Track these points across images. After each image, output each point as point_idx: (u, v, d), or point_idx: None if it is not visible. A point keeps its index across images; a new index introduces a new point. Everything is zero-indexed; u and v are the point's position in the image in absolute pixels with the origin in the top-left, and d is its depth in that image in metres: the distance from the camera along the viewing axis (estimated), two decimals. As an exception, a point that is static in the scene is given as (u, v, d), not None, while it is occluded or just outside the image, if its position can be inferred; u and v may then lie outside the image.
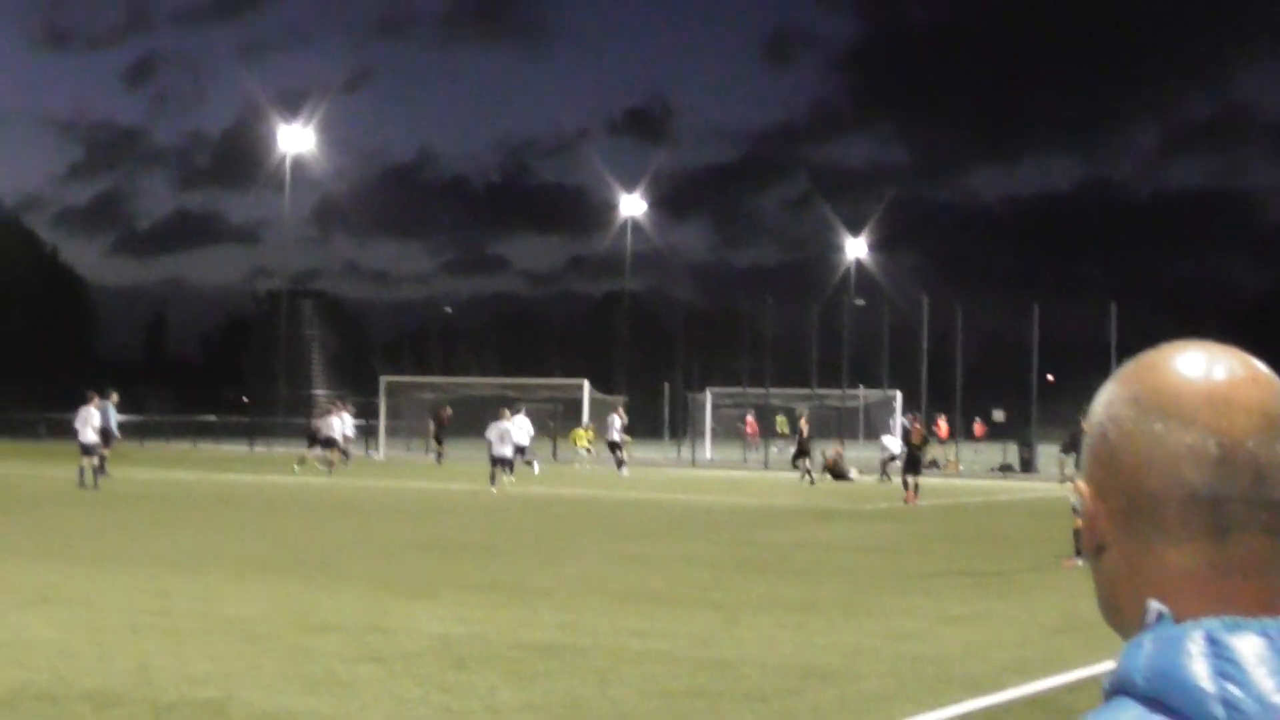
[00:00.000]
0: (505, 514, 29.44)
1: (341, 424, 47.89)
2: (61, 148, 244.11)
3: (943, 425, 59.67)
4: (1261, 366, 1.42)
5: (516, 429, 42.06)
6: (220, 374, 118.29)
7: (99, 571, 17.45)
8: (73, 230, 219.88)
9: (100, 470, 37.16)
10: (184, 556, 19.32)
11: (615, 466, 49.96)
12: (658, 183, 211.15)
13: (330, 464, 45.18)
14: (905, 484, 35.52)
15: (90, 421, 36.36)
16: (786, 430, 73.28)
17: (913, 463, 35.81)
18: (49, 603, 14.64)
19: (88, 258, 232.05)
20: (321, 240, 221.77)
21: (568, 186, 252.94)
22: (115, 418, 40.38)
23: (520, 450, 43.30)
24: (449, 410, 58.03)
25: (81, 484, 35.06)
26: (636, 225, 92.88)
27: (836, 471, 47.98)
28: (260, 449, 67.17)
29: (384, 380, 63.78)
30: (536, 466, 46.99)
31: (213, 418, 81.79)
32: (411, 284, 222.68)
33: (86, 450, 35.85)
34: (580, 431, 57.30)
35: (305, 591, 15.83)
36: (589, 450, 55.58)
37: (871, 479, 46.47)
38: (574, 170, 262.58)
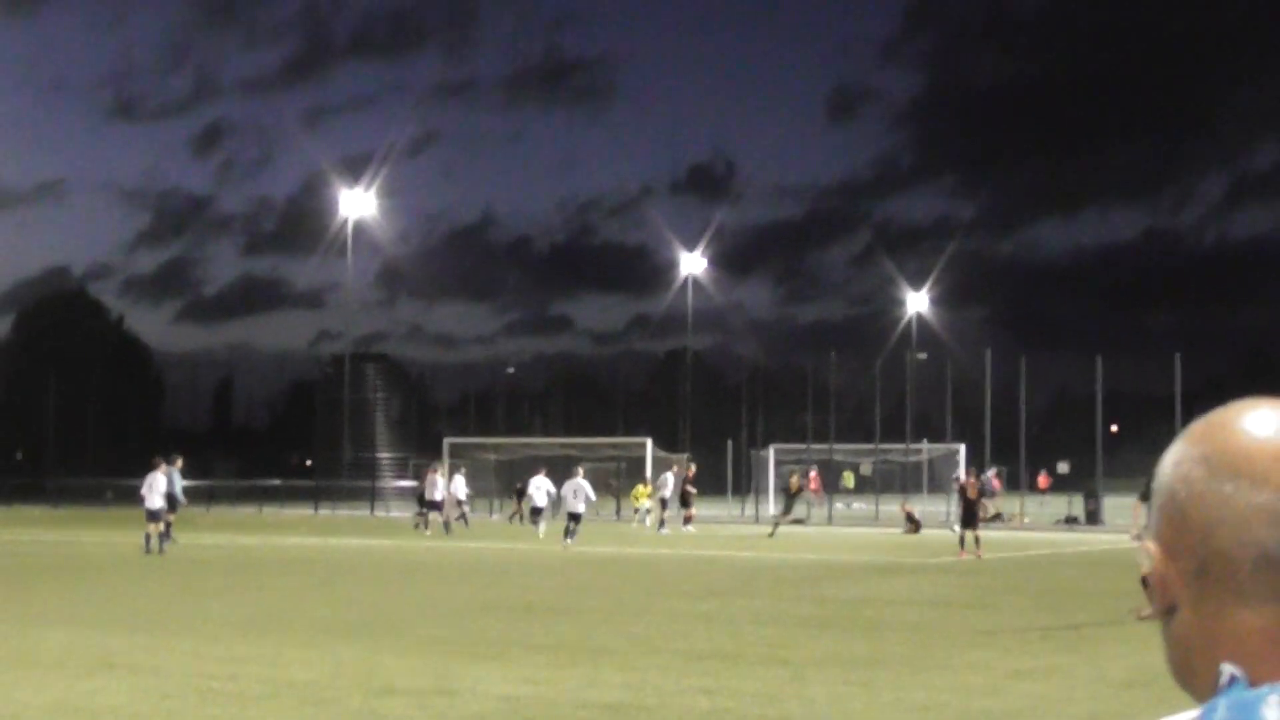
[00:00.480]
0: (570, 573, 29.38)
1: (445, 485, 48.52)
2: (130, 216, 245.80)
3: (994, 479, 59.30)
4: None
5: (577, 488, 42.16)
6: (285, 438, 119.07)
7: (166, 637, 17.50)
8: (139, 297, 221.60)
9: (166, 536, 37.75)
10: (250, 621, 19.36)
11: (657, 526, 49.69)
12: (720, 240, 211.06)
13: (427, 525, 45.64)
14: (962, 540, 35.26)
15: (156, 488, 36.61)
16: (851, 485, 73.11)
17: (969, 517, 35.54)
18: (116, 669, 14.69)
19: (154, 325, 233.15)
20: (386, 303, 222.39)
21: (630, 245, 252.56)
22: (180, 483, 40.63)
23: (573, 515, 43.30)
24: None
25: (147, 550, 35.23)
26: (698, 283, 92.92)
27: (912, 522, 48.16)
28: (325, 512, 67.42)
29: (447, 442, 63.96)
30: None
31: (277, 482, 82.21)
32: (475, 345, 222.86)
33: (153, 516, 36.07)
34: (641, 489, 57.27)
35: (371, 654, 15.83)
36: (649, 509, 55.62)
37: (946, 532, 46.24)
38: (637, 229, 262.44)
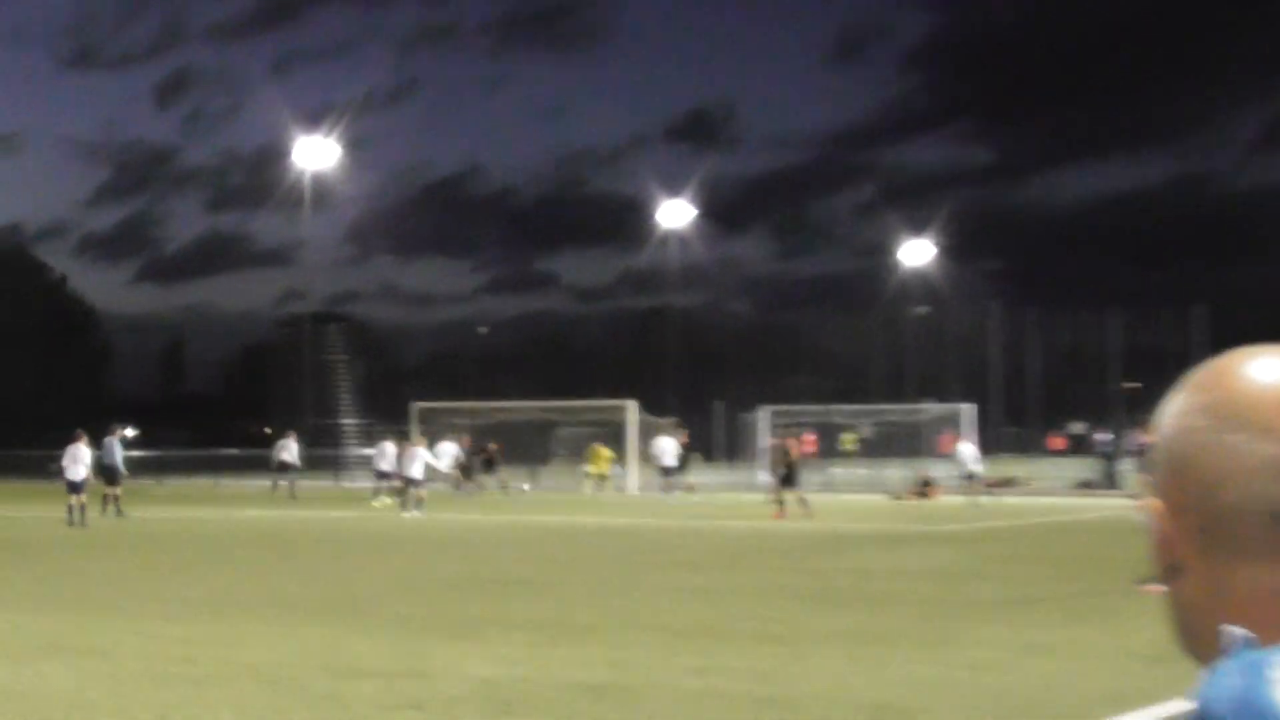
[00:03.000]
0: (547, 547, 29.46)
1: (439, 456, 50.11)
2: (89, 170, 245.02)
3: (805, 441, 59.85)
4: None
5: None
6: (241, 405, 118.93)
7: (116, 618, 17.52)
8: (96, 257, 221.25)
9: (117, 511, 38.61)
10: (207, 600, 19.39)
11: (663, 493, 50.13)
12: (717, 190, 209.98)
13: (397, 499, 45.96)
14: (780, 501, 38.52)
15: (80, 459, 37.37)
16: (853, 447, 73.18)
17: (789, 477, 38.96)
18: (65, 652, 14.69)
19: (110, 286, 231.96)
20: (359, 261, 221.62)
21: (621, 197, 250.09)
22: (120, 454, 40.94)
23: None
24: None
25: (70, 522, 35.70)
26: (689, 237, 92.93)
27: (924, 490, 48.64)
28: (285, 484, 67.38)
29: (416, 406, 63.88)
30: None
31: (235, 452, 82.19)
32: (453, 304, 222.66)
33: (74, 488, 36.68)
34: (603, 452, 57.75)
35: (337, 635, 15.86)
36: (603, 477, 56.43)
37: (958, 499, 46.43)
38: (628, 180, 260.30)
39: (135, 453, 78.20)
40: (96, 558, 27.24)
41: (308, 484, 62.69)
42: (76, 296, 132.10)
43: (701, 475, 60.74)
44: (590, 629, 16.28)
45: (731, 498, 52.29)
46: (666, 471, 51.26)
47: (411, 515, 40.24)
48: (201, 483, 69.72)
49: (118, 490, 40.06)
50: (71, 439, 38.30)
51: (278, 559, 26.86)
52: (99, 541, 31.55)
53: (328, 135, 79.36)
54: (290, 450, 56.14)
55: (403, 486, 42.47)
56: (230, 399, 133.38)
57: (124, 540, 31.95)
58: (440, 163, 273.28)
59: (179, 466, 77.04)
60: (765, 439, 68.25)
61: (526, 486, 52.78)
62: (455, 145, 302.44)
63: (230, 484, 66.71)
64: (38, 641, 15.43)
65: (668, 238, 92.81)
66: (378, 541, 31.32)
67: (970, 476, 47.15)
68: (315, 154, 78.56)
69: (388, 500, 45.59)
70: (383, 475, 48.44)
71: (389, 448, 48.66)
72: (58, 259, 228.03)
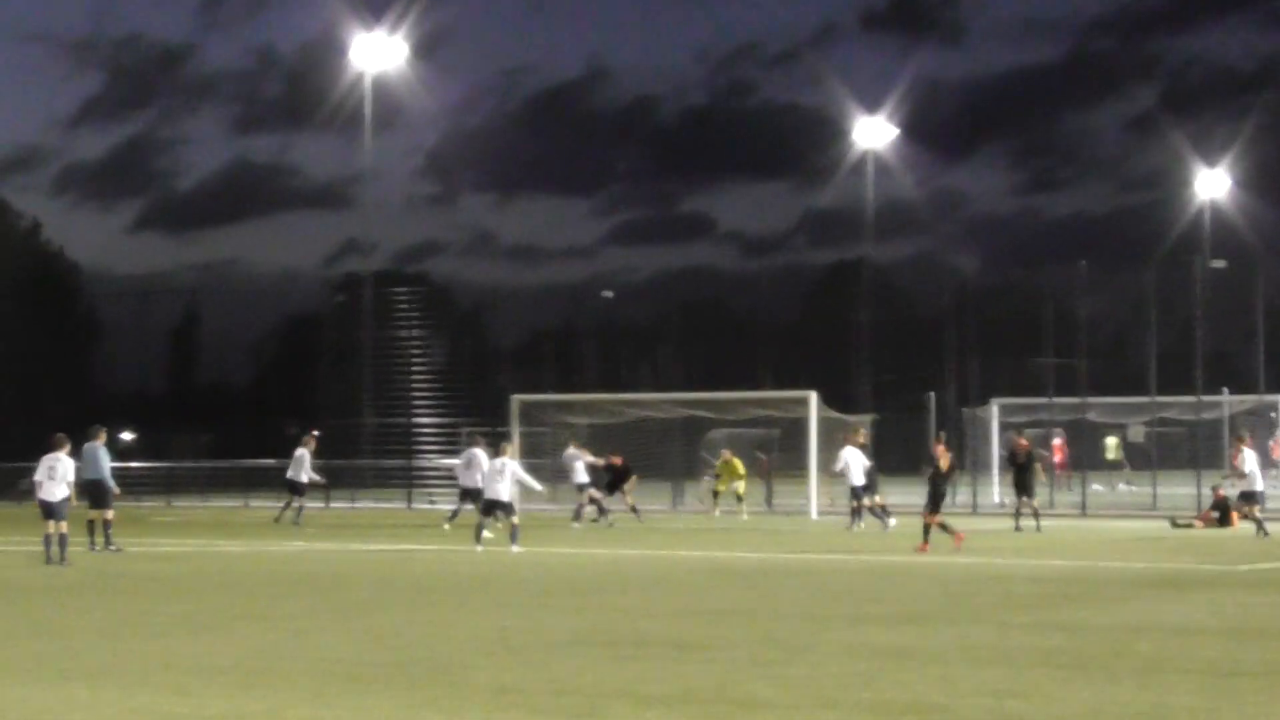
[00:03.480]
0: (692, 592, 29.49)
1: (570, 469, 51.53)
2: (73, 77, 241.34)
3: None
4: None
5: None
6: (278, 399, 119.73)
7: (112, 688, 17.74)
8: (83, 195, 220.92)
9: (107, 542, 39.22)
10: (234, 665, 19.59)
11: (880, 520, 50.11)
12: (935, 101, 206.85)
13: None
14: (926, 529, 39.77)
15: (59, 474, 37.31)
16: (1118, 455, 72.76)
17: (936, 499, 39.77)
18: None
19: (100, 235, 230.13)
20: (442, 201, 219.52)
21: (802, 109, 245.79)
22: (108, 465, 41.20)
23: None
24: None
25: (49, 559, 36.10)
26: (892, 164, 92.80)
27: (1221, 511, 48.31)
28: (340, 506, 68.04)
29: (516, 400, 64.13)
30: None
31: (269, 463, 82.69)
32: (568, 260, 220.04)
33: (51, 512, 36.76)
34: (737, 464, 58.37)
35: (411, 710, 16.00)
36: (736, 496, 57.18)
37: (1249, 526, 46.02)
38: (811, 87, 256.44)
39: (135, 464, 79.46)
40: (82, 607, 27.61)
41: (370, 506, 63.27)
42: (53, 249, 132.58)
43: (903, 493, 60.69)
44: (755, 704, 16.30)
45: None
46: (856, 492, 50.88)
47: (482, 542, 40.53)
48: (224, 505, 70.46)
49: (108, 514, 40.52)
50: (48, 446, 38.10)
51: (330, 610, 27.09)
52: (85, 585, 31.97)
53: (396, 28, 79.78)
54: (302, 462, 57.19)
55: (490, 510, 42.24)
56: (263, 390, 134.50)
57: (119, 584, 32.35)
58: (552, 66, 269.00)
59: (194, 483, 77.97)
60: (995, 442, 68.09)
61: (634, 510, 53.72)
62: (573, 41, 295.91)
63: (264, 507, 67.25)
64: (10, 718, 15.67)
65: (863, 166, 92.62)
66: (465, 586, 31.50)
67: (1251, 496, 46.31)
68: (380, 52, 78.94)
69: (495, 526, 45.72)
70: (468, 494, 48.71)
71: (479, 455, 48.82)
72: (30, 198, 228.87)
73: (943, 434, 47.06)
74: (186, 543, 45.04)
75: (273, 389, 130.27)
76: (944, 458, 41.35)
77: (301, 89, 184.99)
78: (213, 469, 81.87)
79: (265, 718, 15.78)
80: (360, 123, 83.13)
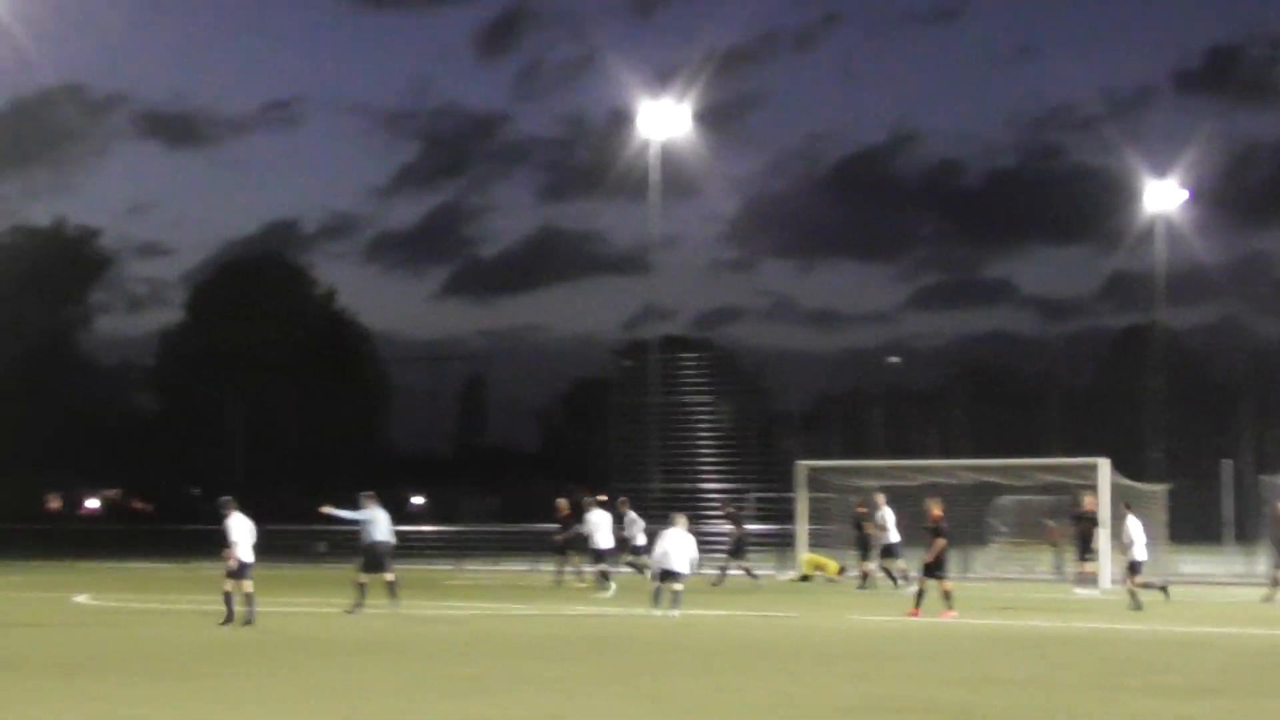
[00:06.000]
0: (983, 657, 29.37)
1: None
2: (388, 147, 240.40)
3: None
4: None
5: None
6: (560, 463, 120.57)
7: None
8: (394, 263, 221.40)
9: (393, 599, 40.46)
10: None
11: (1130, 593, 49.34)
12: (1253, 162, 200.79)
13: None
14: (919, 595, 39.79)
15: (244, 533, 37.70)
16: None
17: (936, 563, 39.86)
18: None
19: (410, 301, 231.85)
20: (744, 266, 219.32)
21: (1108, 173, 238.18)
22: (386, 527, 41.97)
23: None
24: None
25: (228, 618, 36.75)
26: (1185, 226, 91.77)
27: None
28: (629, 571, 68.28)
29: (801, 466, 64.05)
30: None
31: (552, 527, 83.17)
32: (868, 324, 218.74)
33: (238, 572, 37.30)
34: (828, 563, 59.77)
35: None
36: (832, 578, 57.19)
37: None
38: (1119, 149, 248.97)
39: (426, 528, 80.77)
40: (386, 666, 28.03)
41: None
42: (347, 317, 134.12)
43: (1197, 563, 59.87)
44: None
45: (1244, 594, 51.29)
46: (1134, 569, 49.90)
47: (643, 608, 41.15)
48: (514, 569, 71.04)
49: (390, 577, 41.17)
50: (226, 508, 38.14)
51: (620, 672, 27.28)
52: (350, 644, 32.45)
53: (687, 95, 79.92)
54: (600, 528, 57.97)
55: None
56: (546, 454, 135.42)
57: (399, 648, 32.78)
58: (859, 131, 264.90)
59: (484, 546, 78.70)
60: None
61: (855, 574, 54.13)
62: (881, 106, 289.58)
63: (549, 570, 67.84)
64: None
65: (1158, 229, 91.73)
66: (749, 650, 31.56)
67: None
68: (666, 120, 79.36)
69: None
70: (737, 551, 49.74)
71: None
72: (341, 265, 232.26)
73: None
74: (474, 603, 45.58)
75: (554, 453, 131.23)
76: None
77: (605, 157, 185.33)
78: (503, 532, 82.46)
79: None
80: (662, 189, 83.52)
